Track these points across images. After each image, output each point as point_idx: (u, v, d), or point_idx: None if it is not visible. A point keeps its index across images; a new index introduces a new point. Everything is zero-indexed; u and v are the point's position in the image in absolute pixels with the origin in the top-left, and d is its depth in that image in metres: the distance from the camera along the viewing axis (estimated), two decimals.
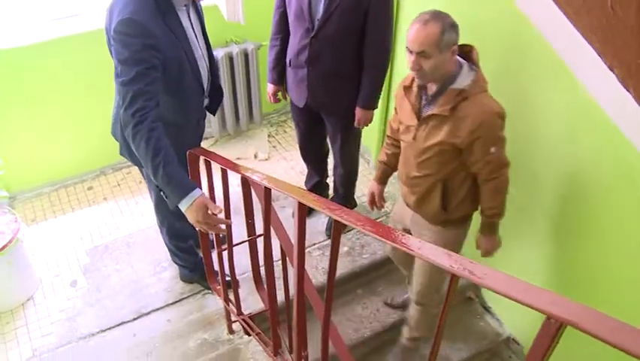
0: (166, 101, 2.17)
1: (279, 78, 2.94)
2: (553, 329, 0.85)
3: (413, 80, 2.15)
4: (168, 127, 2.14)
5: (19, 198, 3.71)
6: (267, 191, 1.72)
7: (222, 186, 2.05)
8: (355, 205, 3.52)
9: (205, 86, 2.39)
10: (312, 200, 1.40)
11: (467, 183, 2.21)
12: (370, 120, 2.89)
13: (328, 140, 3.17)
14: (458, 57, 2.05)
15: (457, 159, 2.11)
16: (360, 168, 3.35)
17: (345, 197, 3.40)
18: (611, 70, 0.63)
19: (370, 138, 3.66)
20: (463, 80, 2.02)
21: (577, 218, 2.33)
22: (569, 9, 0.57)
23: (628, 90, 0.66)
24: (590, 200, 2.22)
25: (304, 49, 2.65)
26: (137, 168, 3.30)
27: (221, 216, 2.04)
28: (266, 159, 4.02)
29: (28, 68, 3.31)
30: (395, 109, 2.35)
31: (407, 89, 2.18)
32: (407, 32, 1.97)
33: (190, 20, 2.23)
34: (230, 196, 2.18)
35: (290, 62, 2.78)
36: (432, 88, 2.09)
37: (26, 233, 3.43)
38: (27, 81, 3.35)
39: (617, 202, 2.08)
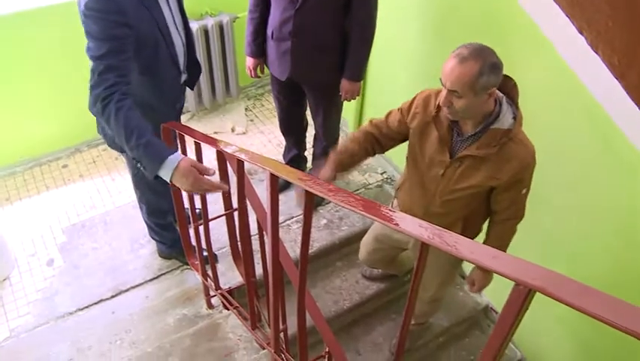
0: (139, 79, 2.12)
1: (259, 51, 2.87)
2: (521, 295, 0.84)
3: (439, 108, 1.95)
4: (142, 107, 2.09)
5: None
6: (240, 164, 1.69)
7: (196, 157, 2.02)
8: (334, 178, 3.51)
9: (181, 62, 2.33)
10: (284, 171, 1.38)
11: (487, 216, 2.14)
12: (358, 92, 2.86)
13: (309, 113, 3.14)
14: (497, 91, 1.87)
15: (488, 198, 2.03)
16: (339, 141, 3.33)
17: None
18: (580, 33, 0.62)
19: (348, 110, 3.64)
20: (506, 120, 1.86)
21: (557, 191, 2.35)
22: None
23: (596, 51, 0.65)
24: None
25: (288, 21, 2.59)
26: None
27: (215, 179, 1.85)
28: (243, 133, 3.98)
29: None
30: (399, 120, 2.12)
31: (435, 118, 1.97)
32: (444, 63, 1.79)
33: None
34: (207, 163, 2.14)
35: (272, 34, 2.72)
36: (467, 125, 1.92)
37: (0, 213, 3.37)
38: None
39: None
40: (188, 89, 2.58)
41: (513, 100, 1.92)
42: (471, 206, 2.07)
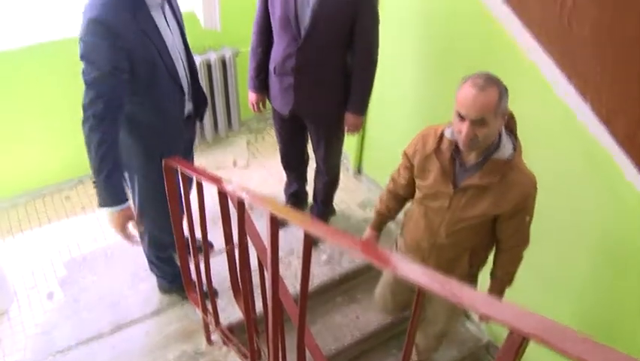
0: (139, 102, 2.18)
1: (262, 86, 2.91)
2: (516, 343, 0.85)
3: (440, 140, 2.01)
4: (144, 129, 2.16)
5: None
6: (241, 203, 1.70)
7: (197, 197, 2.04)
8: (334, 213, 3.52)
9: (185, 89, 2.37)
10: (284, 211, 1.40)
11: (492, 244, 2.15)
12: (360, 126, 2.90)
13: (310, 147, 3.17)
14: None
15: (492, 228, 2.05)
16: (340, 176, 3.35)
17: (325, 204, 3.40)
18: (570, 81, 0.65)
19: (349, 145, 3.67)
20: (506, 150, 1.91)
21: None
22: (531, 23, 0.58)
23: (585, 101, 0.67)
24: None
25: (291, 57, 2.63)
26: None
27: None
28: (245, 167, 4.00)
29: (3, 74, 3.27)
30: (407, 167, 2.20)
31: (436, 151, 2.02)
32: (458, 97, 1.82)
33: (166, 20, 2.21)
34: (209, 203, 2.15)
35: (275, 69, 2.75)
36: (469, 155, 1.96)
37: (1, 245, 3.38)
38: (1, 88, 3.30)
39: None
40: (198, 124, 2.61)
41: (512, 131, 1.97)
42: (476, 237, 2.09)
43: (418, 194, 2.18)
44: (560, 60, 0.59)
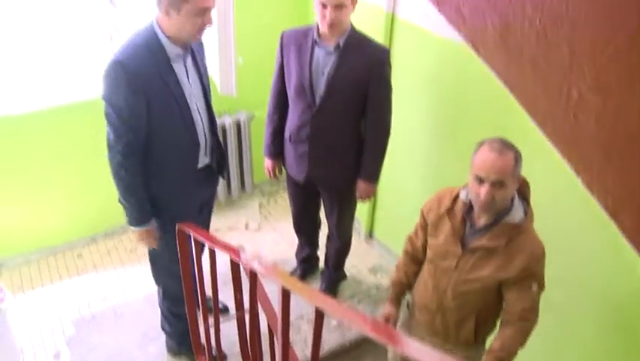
0: (153, 145, 2.30)
1: (278, 152, 2.97)
2: None
3: (455, 201, 2.06)
4: (153, 175, 2.35)
5: (7, 264, 3.67)
6: (253, 275, 1.72)
7: (210, 263, 2.06)
8: (345, 277, 3.52)
9: (201, 141, 2.44)
10: (296, 286, 1.41)
11: (499, 312, 2.12)
12: (373, 193, 2.93)
13: (323, 213, 3.19)
14: None
15: (498, 290, 2.04)
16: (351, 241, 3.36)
17: (337, 269, 3.41)
18: (577, 174, 0.67)
19: (361, 208, 3.69)
20: (517, 213, 1.95)
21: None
22: (536, 114, 0.61)
23: (592, 194, 0.69)
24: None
25: (306, 125, 2.70)
26: (128, 235, 3.73)
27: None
28: (257, 230, 4.03)
29: (21, 136, 3.36)
30: (422, 227, 2.24)
31: (449, 211, 2.07)
32: (475, 161, 1.88)
33: (187, 73, 2.31)
34: (220, 265, 2.17)
35: (290, 137, 2.81)
36: (480, 217, 2.00)
37: (11, 302, 3.38)
38: (19, 149, 3.39)
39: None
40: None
41: (525, 197, 2.00)
42: (483, 302, 2.07)
43: (428, 253, 2.19)
44: (565, 151, 0.61)
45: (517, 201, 1.97)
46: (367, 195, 2.90)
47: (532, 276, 1.94)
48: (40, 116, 3.37)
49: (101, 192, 3.51)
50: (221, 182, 4.00)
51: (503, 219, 1.95)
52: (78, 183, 3.64)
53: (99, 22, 3.48)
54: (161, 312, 2.96)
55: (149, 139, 2.28)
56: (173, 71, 2.25)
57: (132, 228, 2.46)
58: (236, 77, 3.15)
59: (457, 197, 2.06)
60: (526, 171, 2.20)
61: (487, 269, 1.99)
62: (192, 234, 2.11)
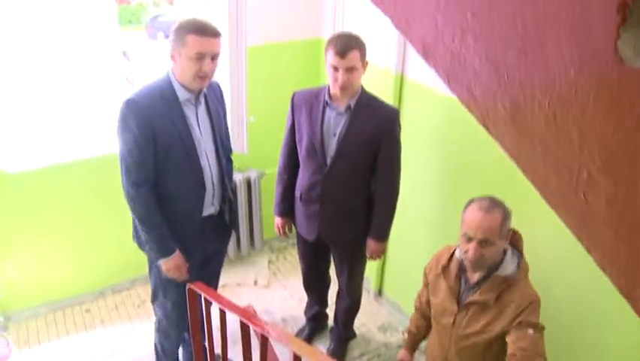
0: (158, 184, 2.37)
1: (288, 211, 2.99)
2: None
3: (450, 260, 2.11)
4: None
5: (14, 318, 3.66)
6: (264, 339, 1.72)
7: (220, 323, 2.05)
8: (354, 336, 3.47)
9: (208, 187, 2.49)
10: (308, 351, 1.41)
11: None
12: (383, 252, 2.94)
13: (333, 270, 3.19)
14: None
15: (499, 345, 2.05)
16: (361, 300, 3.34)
17: (346, 327, 3.37)
18: (588, 252, 0.69)
19: (370, 267, 3.68)
20: (509, 266, 1.99)
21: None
22: (547, 194, 0.63)
23: (604, 272, 0.70)
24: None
25: (316, 184, 2.72)
26: (136, 289, 3.79)
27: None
28: (265, 286, 4.01)
29: (30, 192, 3.40)
30: (425, 285, 2.30)
31: (445, 270, 2.13)
32: (464, 219, 1.95)
33: (197, 118, 2.39)
34: (230, 322, 2.16)
35: (301, 196, 2.84)
36: (474, 273, 2.05)
37: (17, 358, 3.36)
38: (29, 204, 3.42)
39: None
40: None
41: (518, 249, 2.05)
42: (487, 354, 2.07)
43: (431, 310, 2.24)
44: (575, 229, 0.62)
45: (509, 255, 2.01)
46: (377, 254, 2.90)
47: (525, 324, 1.96)
48: (48, 172, 3.42)
49: (109, 247, 3.53)
50: (231, 238, 4.00)
51: (494, 273, 1.99)
52: (86, 238, 3.66)
53: (113, 76, 3.57)
54: (154, 345, 2.97)
55: (155, 178, 2.35)
56: (183, 114, 2.35)
57: (160, 260, 2.47)
58: (248, 135, 3.21)
59: (453, 255, 2.12)
60: (534, 233, 2.21)
61: (481, 323, 2.02)
62: (204, 295, 2.11)
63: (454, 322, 2.08)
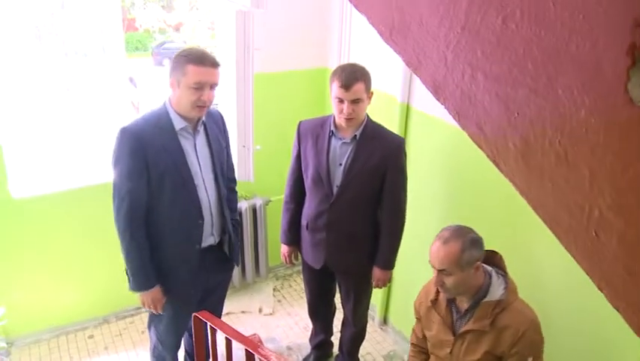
0: (154, 213, 2.37)
1: (294, 239, 2.99)
2: None
3: (438, 292, 2.12)
4: (152, 242, 2.40)
5: (17, 343, 3.64)
6: None
7: (226, 353, 2.04)
8: None
9: (206, 218, 2.49)
10: None
11: None
12: (388, 280, 2.92)
13: (339, 299, 3.17)
14: (483, 265, 2.02)
15: None
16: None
17: (351, 356, 3.34)
18: (600, 290, 0.68)
19: (375, 295, 3.65)
20: (496, 291, 1.99)
21: None
22: (558, 230, 0.63)
23: (618, 310, 0.70)
24: None
25: (323, 213, 2.72)
26: (140, 316, 3.79)
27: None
28: (270, 314, 3.99)
29: (36, 217, 3.41)
30: (419, 319, 2.31)
31: (434, 302, 2.14)
32: (430, 247, 1.99)
33: (195, 148, 2.39)
34: (236, 350, 2.15)
35: (307, 225, 2.84)
36: (463, 301, 2.05)
37: None
38: (34, 230, 3.43)
39: None
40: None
41: (504, 271, 2.05)
42: None
43: (428, 344, 2.24)
44: (587, 268, 0.62)
45: (494, 278, 2.01)
46: (383, 282, 2.89)
47: (525, 349, 1.95)
48: (54, 198, 3.44)
49: (113, 273, 3.51)
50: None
51: (483, 300, 1.98)
52: (91, 263, 3.66)
53: (120, 102, 3.60)
54: None
55: (151, 206, 2.36)
56: (179, 144, 2.35)
57: (135, 292, 2.49)
58: (254, 163, 3.22)
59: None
60: (542, 263, 2.19)
61: (479, 351, 2.00)
62: (209, 323, 2.10)
63: (451, 352, 2.08)
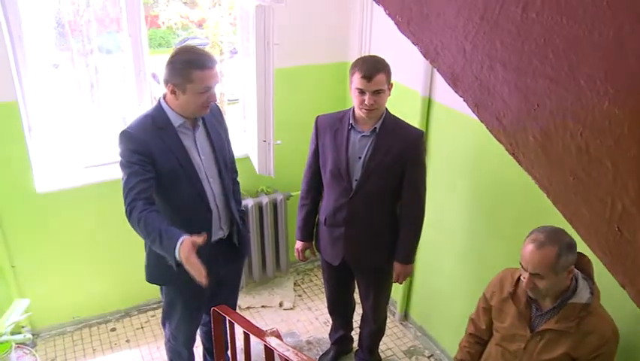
0: (160, 205, 2.36)
1: (309, 236, 2.98)
2: None
3: (517, 285, 2.08)
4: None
5: (42, 335, 3.70)
6: None
7: (244, 347, 2.04)
8: (380, 360, 3.43)
9: (214, 211, 2.49)
10: None
11: None
12: (409, 274, 2.91)
13: (358, 295, 3.16)
14: None
15: None
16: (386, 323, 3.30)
17: (371, 352, 3.33)
18: (623, 287, 0.66)
19: (396, 290, 3.64)
20: (583, 294, 1.95)
21: None
22: (579, 226, 0.61)
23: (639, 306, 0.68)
24: None
25: (342, 208, 2.71)
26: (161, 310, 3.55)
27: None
28: (291, 308, 3.99)
29: (60, 211, 3.45)
30: (485, 310, 2.26)
31: (512, 295, 2.10)
32: (522, 248, 1.93)
33: (196, 144, 2.40)
34: (255, 345, 2.15)
35: (325, 220, 2.82)
36: (545, 300, 2.02)
37: None
38: (57, 224, 3.48)
39: None
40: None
41: (589, 275, 2.00)
42: None
43: (495, 335, 2.20)
44: (610, 265, 0.60)
45: (582, 281, 1.97)
46: (404, 277, 2.87)
47: (606, 356, 1.93)
48: (77, 192, 3.47)
49: (135, 267, 3.53)
50: (256, 260, 4.00)
51: (570, 301, 1.95)
52: (114, 257, 3.70)
53: (143, 99, 3.62)
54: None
55: (158, 205, 2.35)
56: (180, 141, 2.35)
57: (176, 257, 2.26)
58: (275, 158, 3.22)
59: (518, 280, 2.07)
60: None
61: (558, 351, 1.97)
62: (228, 317, 2.10)
63: (525, 347, 2.05)
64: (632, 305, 2.13)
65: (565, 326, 1.94)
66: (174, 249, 2.12)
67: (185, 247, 2.10)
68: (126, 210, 2.28)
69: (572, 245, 1.89)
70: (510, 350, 2.11)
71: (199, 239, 2.12)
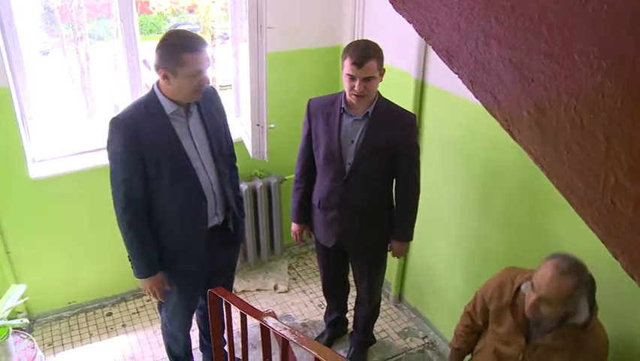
0: (158, 198, 2.38)
1: (304, 218, 2.99)
2: None
3: (516, 294, 2.07)
4: (157, 225, 2.42)
5: (39, 321, 3.71)
6: (285, 342, 1.72)
7: (241, 328, 2.05)
8: (374, 341, 3.46)
9: (209, 198, 2.49)
10: (330, 356, 1.41)
11: None
12: (406, 251, 2.96)
13: (352, 277, 3.18)
14: None
15: None
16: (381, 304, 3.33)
17: (365, 333, 3.36)
18: (616, 258, 0.68)
19: (390, 272, 3.66)
20: (583, 314, 1.94)
21: None
22: (573, 198, 0.62)
23: (633, 278, 0.69)
24: None
25: (336, 191, 2.72)
26: None
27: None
28: (285, 291, 4.02)
29: (53, 196, 3.45)
30: (482, 309, 2.26)
31: (511, 306, 2.08)
32: (539, 271, 1.89)
33: (189, 130, 2.38)
34: (251, 327, 2.17)
35: (319, 203, 2.83)
36: (545, 320, 2.00)
37: (40, 360, 3.39)
38: (52, 209, 3.48)
39: None
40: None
41: (591, 293, 1.96)
42: None
43: (492, 334, 2.20)
44: (603, 235, 0.61)
45: (582, 301, 1.94)
46: (401, 253, 2.93)
47: None
48: (72, 177, 3.47)
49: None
50: (251, 244, 4.02)
51: (569, 321, 1.94)
52: (109, 242, 3.67)
53: (134, 85, 3.60)
54: (166, 348, 3.04)
55: (152, 193, 2.36)
56: (173, 129, 2.33)
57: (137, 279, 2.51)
58: (268, 142, 3.22)
59: (518, 289, 2.06)
60: (558, 238, 2.16)
61: None
62: (224, 299, 2.12)
63: (520, 355, 2.06)
64: (630, 319, 2.17)
65: (560, 343, 1.96)
66: (145, 275, 2.46)
67: (155, 284, 2.48)
68: (117, 206, 2.33)
69: (589, 282, 1.87)
70: (505, 353, 2.12)
71: (168, 288, 2.50)
